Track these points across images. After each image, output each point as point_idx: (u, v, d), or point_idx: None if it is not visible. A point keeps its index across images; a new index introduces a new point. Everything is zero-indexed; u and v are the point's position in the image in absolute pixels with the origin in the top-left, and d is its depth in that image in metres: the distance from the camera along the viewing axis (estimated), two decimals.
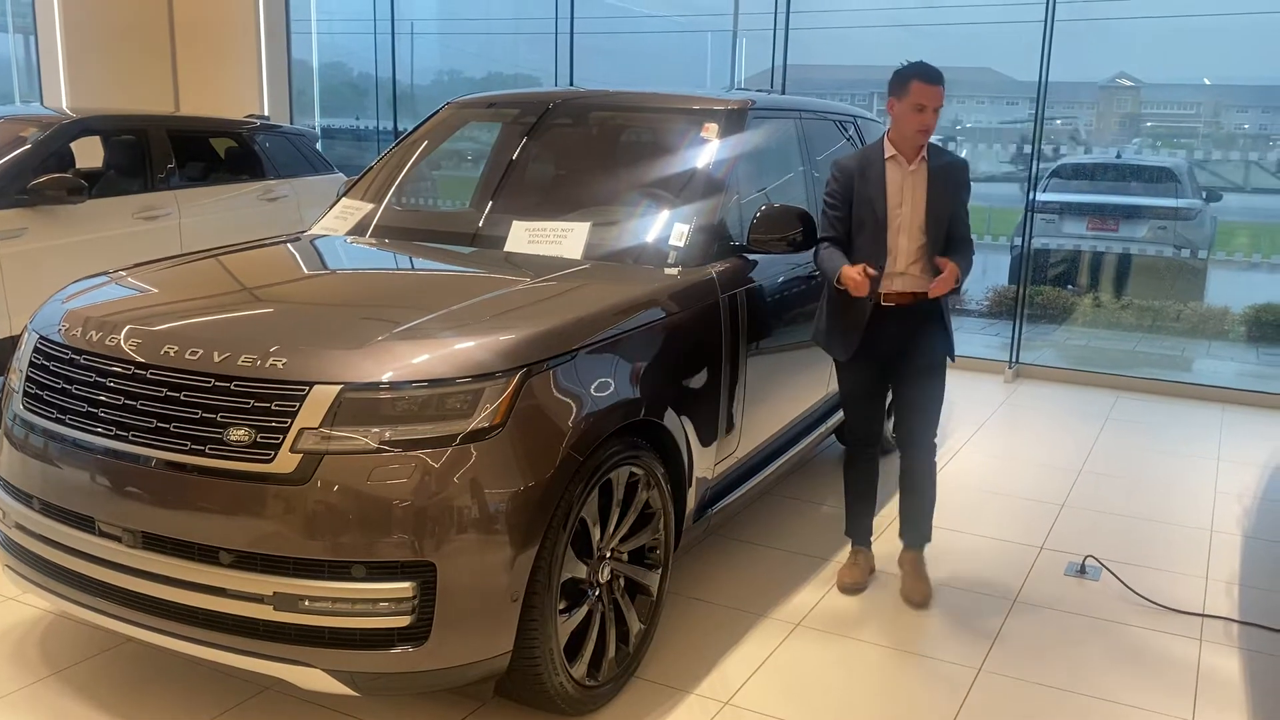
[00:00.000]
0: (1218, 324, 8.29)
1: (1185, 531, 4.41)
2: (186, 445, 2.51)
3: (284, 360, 2.51)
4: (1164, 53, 9.75)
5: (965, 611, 3.65)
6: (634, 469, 2.95)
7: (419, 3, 12.27)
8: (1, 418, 2.99)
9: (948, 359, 3.66)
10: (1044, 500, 4.72)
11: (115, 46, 8.93)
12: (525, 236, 3.55)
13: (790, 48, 7.85)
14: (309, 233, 3.93)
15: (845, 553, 3.96)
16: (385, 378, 2.47)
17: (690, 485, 3.26)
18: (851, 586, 3.76)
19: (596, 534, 2.84)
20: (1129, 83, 10.76)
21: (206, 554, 2.50)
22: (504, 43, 12.82)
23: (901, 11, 10.98)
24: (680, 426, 3.15)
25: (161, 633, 2.59)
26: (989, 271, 9.02)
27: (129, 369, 2.63)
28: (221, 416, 2.50)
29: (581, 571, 2.79)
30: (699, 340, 3.34)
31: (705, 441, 3.33)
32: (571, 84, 8.34)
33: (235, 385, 2.50)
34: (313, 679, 2.50)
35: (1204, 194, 9.27)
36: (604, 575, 2.90)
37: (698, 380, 3.30)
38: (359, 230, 3.85)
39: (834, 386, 4.50)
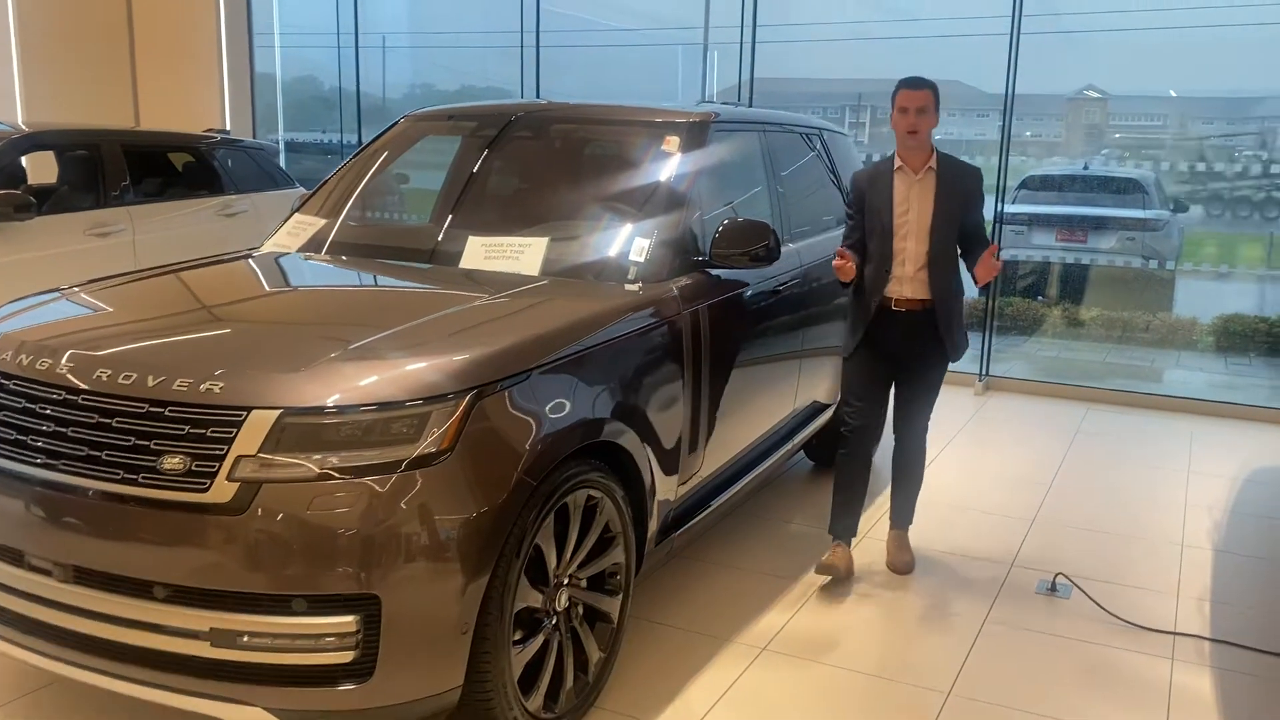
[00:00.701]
0: (1186, 335, 8.31)
1: (1156, 546, 4.37)
2: (119, 474, 2.39)
3: (221, 384, 2.40)
4: (1131, 65, 9.80)
5: (935, 633, 3.58)
6: (592, 492, 2.86)
7: (391, 16, 12.16)
8: None
9: (950, 360, 3.90)
10: (1014, 516, 4.66)
11: (73, 59, 8.76)
12: (482, 252, 3.46)
13: (762, 61, 7.82)
14: (260, 250, 3.82)
15: (812, 574, 3.90)
16: (327, 401, 2.37)
17: (652, 507, 3.17)
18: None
19: (553, 560, 2.75)
20: (1096, 95, 10.81)
21: (140, 588, 2.38)
22: (474, 56, 12.73)
23: (872, 25, 11.00)
24: (641, 448, 3.06)
25: (96, 671, 2.47)
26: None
27: (60, 394, 2.52)
28: (155, 444, 2.39)
29: (537, 600, 2.70)
30: (660, 358, 3.25)
31: (667, 462, 3.25)
32: (538, 97, 8.26)
33: (170, 411, 2.39)
34: (253, 718, 2.39)
35: (1172, 205, 9.31)
36: (561, 603, 2.81)
37: (659, 399, 3.21)
38: (311, 247, 3.74)
39: (801, 402, 4.45)
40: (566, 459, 2.71)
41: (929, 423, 4.06)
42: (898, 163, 3.76)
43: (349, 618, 2.33)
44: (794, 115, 5.04)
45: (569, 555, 2.82)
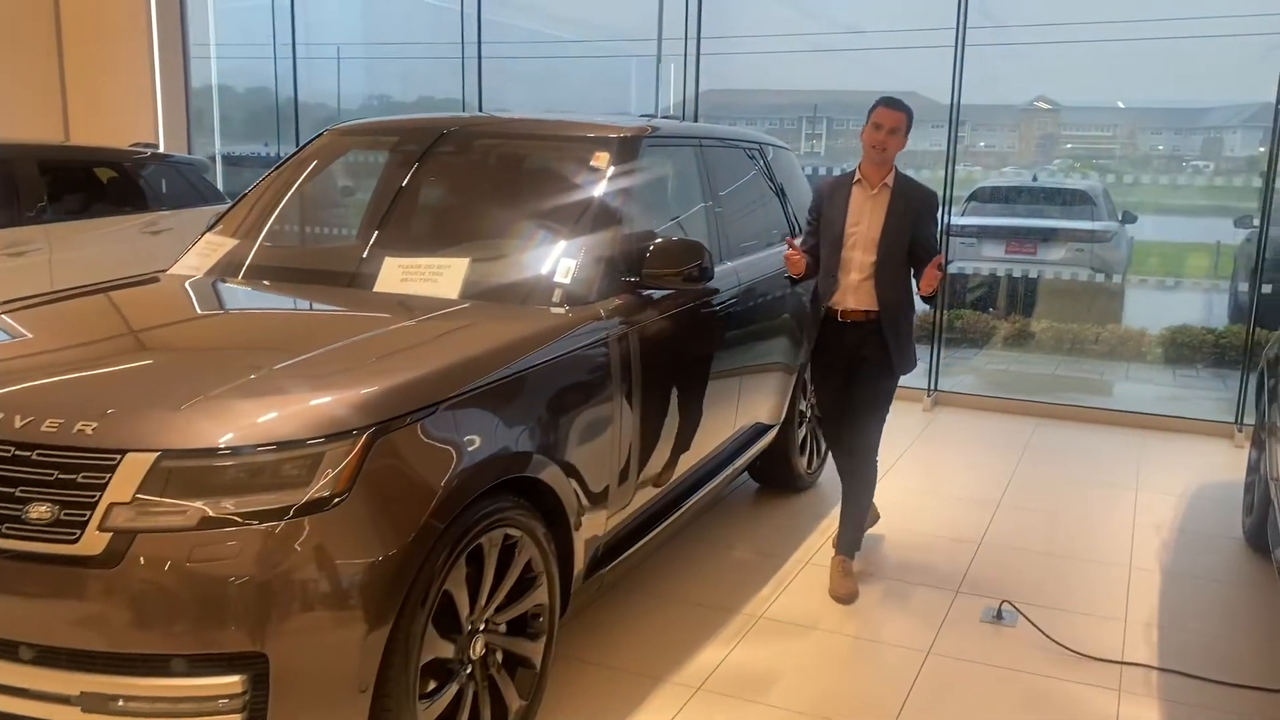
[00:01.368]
0: (1135, 346, 8.30)
1: (1103, 569, 4.27)
2: None
3: (94, 425, 2.21)
4: (1080, 76, 9.82)
5: (878, 668, 3.45)
6: (510, 531, 2.69)
7: (345, 26, 11.91)
8: None
9: (897, 373, 3.92)
10: (961, 539, 4.55)
11: None
12: (399, 274, 3.28)
13: (715, 73, 7.70)
14: (167, 272, 3.61)
15: (755, 602, 3.77)
16: (208, 442, 2.19)
17: (578, 543, 3.01)
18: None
19: (465, 607, 2.57)
20: (1047, 105, 10.84)
21: (4, 649, 2.18)
22: (429, 67, 12.52)
23: (824, 38, 10.92)
24: (565, 481, 2.90)
25: None
26: None
27: None
28: (21, 491, 2.19)
29: (448, 650, 2.52)
30: (587, 385, 3.09)
31: (594, 495, 3.09)
32: (480, 109, 8.08)
33: (37, 455, 2.20)
34: None
35: (1120, 216, 9.32)
36: (477, 650, 2.63)
37: (586, 429, 3.05)
38: (221, 269, 3.55)
39: (742, 423, 4.31)
40: (481, 497, 2.54)
41: (878, 442, 4.00)
42: (858, 175, 3.87)
43: (234, 678, 2.15)
44: (734, 129, 4.92)
45: (484, 599, 2.65)
